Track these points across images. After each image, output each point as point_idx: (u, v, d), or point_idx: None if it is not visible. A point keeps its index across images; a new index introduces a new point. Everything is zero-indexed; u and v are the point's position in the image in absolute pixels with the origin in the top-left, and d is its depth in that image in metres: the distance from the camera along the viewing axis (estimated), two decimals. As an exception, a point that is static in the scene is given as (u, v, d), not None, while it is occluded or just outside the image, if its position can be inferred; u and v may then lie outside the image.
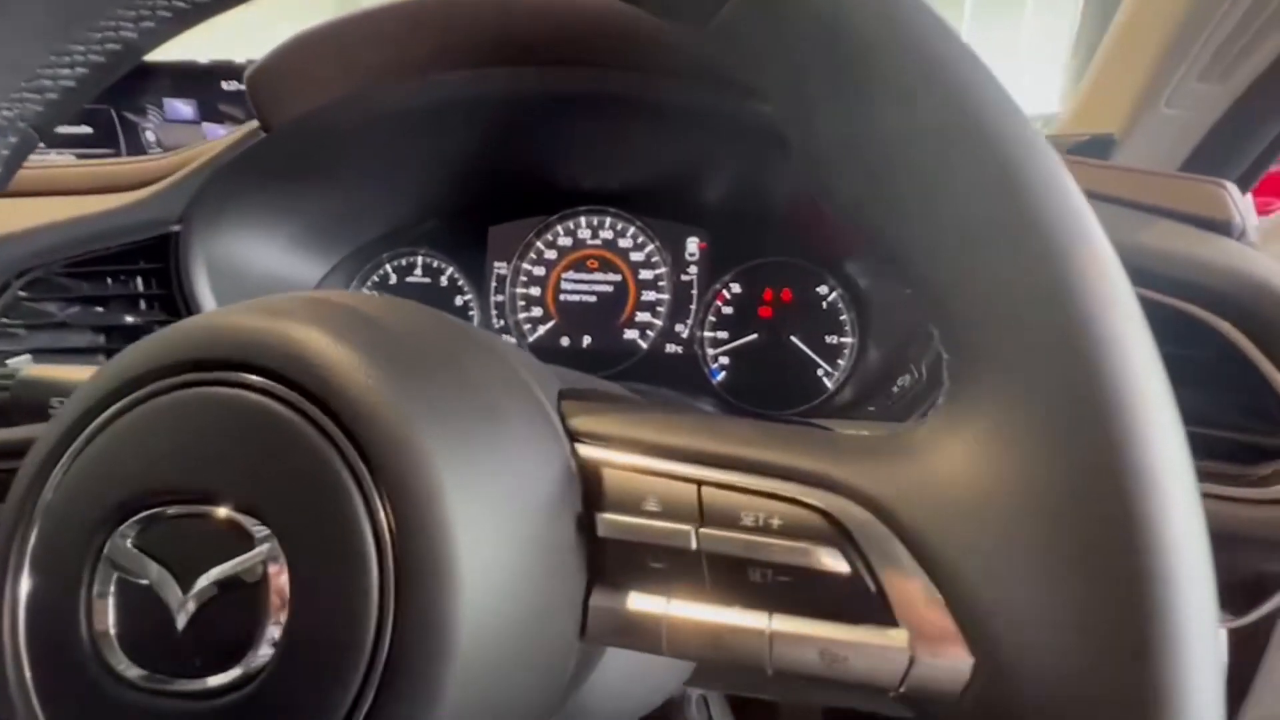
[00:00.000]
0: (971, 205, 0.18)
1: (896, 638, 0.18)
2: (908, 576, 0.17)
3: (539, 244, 0.59)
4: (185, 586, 0.18)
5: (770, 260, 0.54)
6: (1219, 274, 0.34)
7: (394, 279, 0.59)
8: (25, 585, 0.20)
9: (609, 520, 0.21)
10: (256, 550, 0.18)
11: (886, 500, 0.18)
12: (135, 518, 0.19)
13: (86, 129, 1.41)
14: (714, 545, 0.20)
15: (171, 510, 0.19)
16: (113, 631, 0.19)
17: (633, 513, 0.21)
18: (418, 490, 0.18)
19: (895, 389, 0.39)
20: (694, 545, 0.20)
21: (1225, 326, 0.33)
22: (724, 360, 0.55)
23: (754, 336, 0.54)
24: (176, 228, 0.46)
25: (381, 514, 0.18)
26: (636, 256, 0.58)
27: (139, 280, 0.50)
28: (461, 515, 0.18)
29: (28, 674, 0.19)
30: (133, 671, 0.18)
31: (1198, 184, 0.35)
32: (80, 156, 1.05)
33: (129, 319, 0.49)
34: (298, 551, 0.18)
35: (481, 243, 0.60)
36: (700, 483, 0.20)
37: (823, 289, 0.53)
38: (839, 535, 0.19)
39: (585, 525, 0.21)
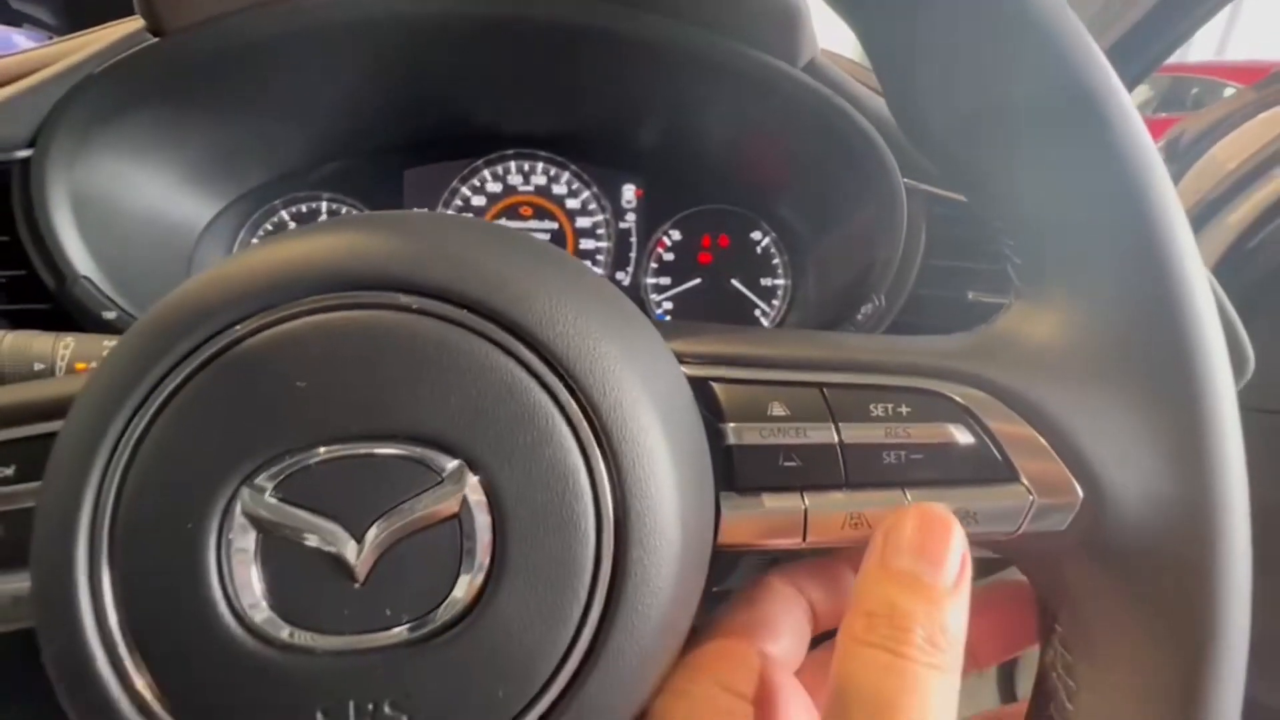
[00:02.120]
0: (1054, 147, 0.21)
1: (1018, 490, 0.20)
2: (1023, 437, 0.20)
3: (464, 190, 0.55)
4: (358, 534, 0.16)
5: (707, 208, 0.56)
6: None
7: (292, 227, 0.51)
8: (114, 572, 0.15)
9: (738, 428, 0.21)
10: (450, 481, 0.16)
11: (996, 378, 0.21)
12: (278, 465, 0.16)
13: None
14: (855, 436, 0.21)
15: (317, 454, 0.16)
16: (265, 602, 0.16)
17: (761, 419, 0.22)
18: (618, 396, 0.17)
19: (860, 315, 0.43)
20: (836, 439, 0.21)
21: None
22: (668, 306, 0.56)
23: (697, 281, 0.56)
24: (23, 153, 0.36)
25: (585, 426, 0.17)
26: (572, 204, 0.56)
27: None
28: (650, 419, 0.18)
29: (140, 681, 0.15)
30: (303, 638, 0.16)
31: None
32: None
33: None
34: (498, 475, 0.16)
35: (395, 188, 0.54)
36: (822, 385, 0.22)
37: (756, 234, 0.56)
38: (962, 413, 0.21)
39: (712, 437, 0.22)
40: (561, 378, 0.17)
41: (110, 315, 0.39)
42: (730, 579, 0.48)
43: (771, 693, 0.20)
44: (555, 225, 0.56)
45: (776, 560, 0.41)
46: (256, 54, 0.40)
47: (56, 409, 0.19)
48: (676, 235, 0.56)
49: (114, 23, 0.39)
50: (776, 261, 0.56)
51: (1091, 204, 0.20)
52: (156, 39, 0.36)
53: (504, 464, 0.16)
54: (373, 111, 0.49)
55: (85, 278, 0.38)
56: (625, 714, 0.18)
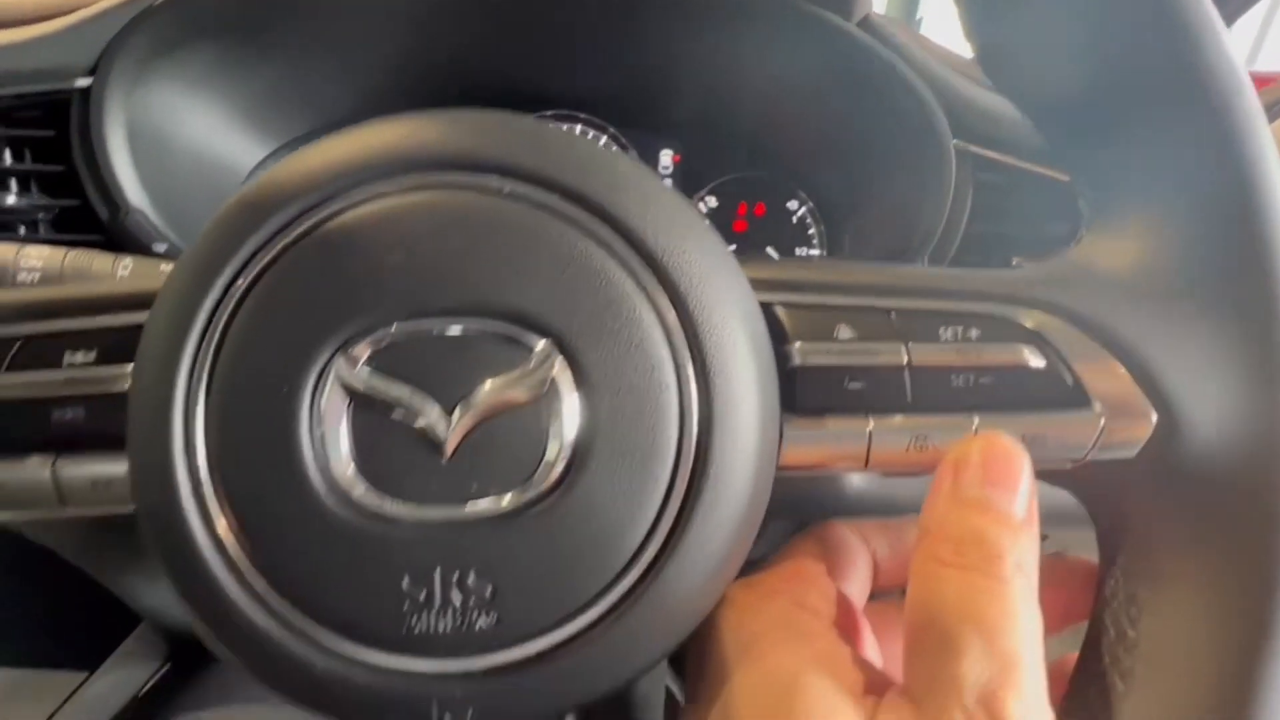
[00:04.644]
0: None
1: (1089, 415, 0.20)
2: (1096, 361, 0.20)
3: (503, 149, 0.55)
4: (447, 407, 0.16)
5: (744, 175, 0.56)
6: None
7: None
8: (208, 436, 0.16)
9: (804, 348, 0.21)
10: (539, 360, 0.16)
11: (1070, 304, 0.21)
12: (371, 336, 0.16)
13: None
14: (923, 358, 0.21)
15: (411, 327, 0.16)
16: (352, 468, 0.16)
17: (827, 340, 0.21)
18: (703, 287, 0.17)
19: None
20: (904, 360, 0.21)
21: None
22: (702, 272, 0.56)
23: (732, 249, 0.56)
24: (84, 82, 0.36)
25: (672, 317, 0.17)
26: (610, 167, 0.56)
27: (7, 152, 0.38)
28: (731, 311, 0.18)
29: (233, 544, 0.16)
30: (391, 507, 0.16)
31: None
32: None
33: (11, 200, 0.38)
34: (586, 357, 0.16)
35: (435, 144, 0.54)
36: (890, 309, 0.22)
37: (793, 204, 0.56)
38: (1034, 337, 0.21)
39: (779, 358, 0.22)
40: (648, 264, 0.17)
41: (161, 248, 0.39)
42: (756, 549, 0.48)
43: (846, 618, 0.20)
44: (592, 188, 0.56)
45: (803, 525, 0.41)
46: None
47: (136, 302, 0.19)
48: (713, 202, 0.56)
49: (174, -42, 0.39)
50: (812, 231, 0.56)
51: (1172, 129, 0.20)
52: (217, -28, 0.37)
53: (592, 346, 0.16)
54: (418, 67, 0.50)
55: (138, 210, 0.38)
56: (700, 603, 0.18)
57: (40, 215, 0.39)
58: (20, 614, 0.56)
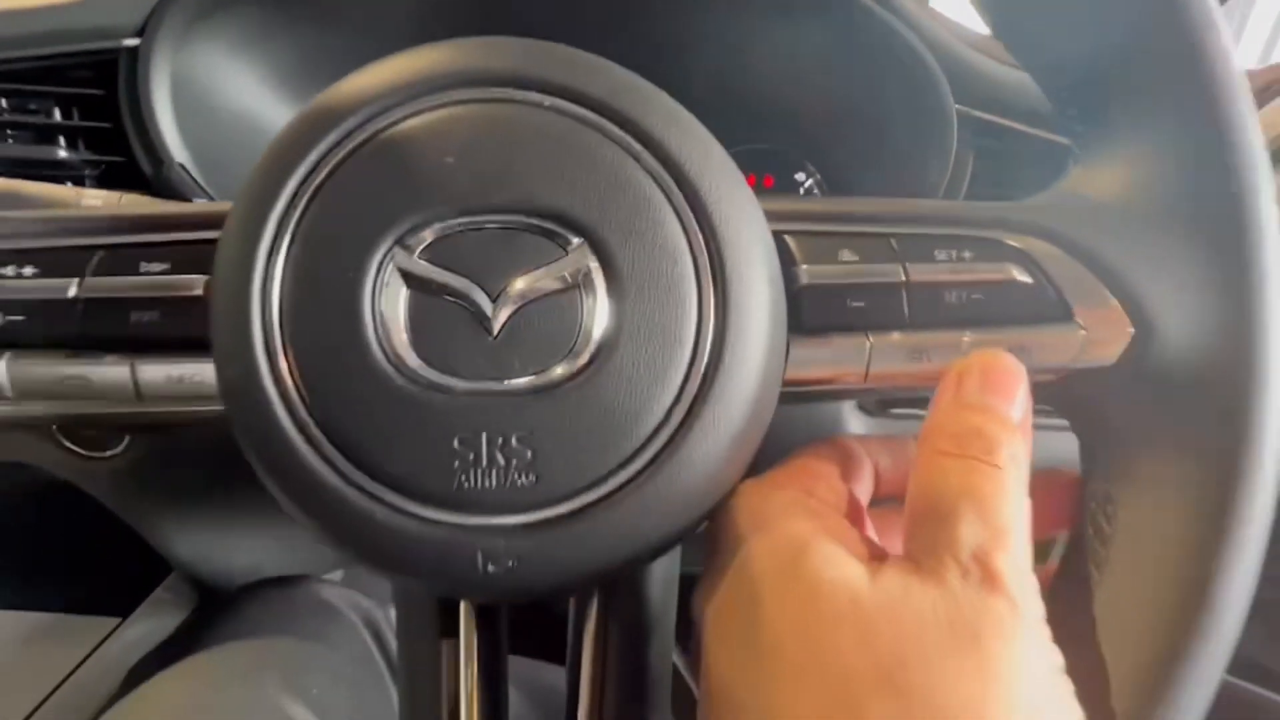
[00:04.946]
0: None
1: (1071, 328, 0.22)
2: (1079, 278, 0.22)
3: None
4: (493, 293, 0.18)
5: (753, 147, 0.58)
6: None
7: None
8: (283, 314, 0.18)
9: (811, 270, 0.23)
10: (574, 253, 0.18)
11: (1055, 227, 0.23)
12: (427, 229, 0.18)
13: None
14: (920, 275, 0.23)
15: (462, 221, 0.18)
16: (408, 343, 0.18)
17: (832, 263, 0.23)
18: (719, 192, 0.19)
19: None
20: (903, 277, 0.23)
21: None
22: (712, 241, 0.58)
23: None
24: (132, 41, 0.39)
25: (693, 220, 0.19)
26: (624, 138, 0.58)
27: (56, 110, 0.41)
28: (746, 213, 0.20)
29: (303, 412, 0.18)
30: (445, 380, 0.18)
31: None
32: None
33: (62, 154, 0.40)
34: (618, 253, 0.18)
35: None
36: (890, 235, 0.23)
37: (800, 175, 0.58)
38: (1021, 256, 0.23)
39: (787, 280, 0.24)
40: (671, 173, 0.19)
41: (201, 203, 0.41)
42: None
43: (852, 509, 0.22)
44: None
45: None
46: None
47: (205, 222, 0.21)
48: (723, 173, 0.58)
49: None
50: (819, 203, 0.58)
51: (1163, 80, 0.22)
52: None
53: (622, 244, 0.18)
54: (443, 34, 0.52)
55: (180, 165, 0.41)
56: (716, 476, 0.20)
57: (87, 171, 0.42)
58: (57, 561, 0.58)
